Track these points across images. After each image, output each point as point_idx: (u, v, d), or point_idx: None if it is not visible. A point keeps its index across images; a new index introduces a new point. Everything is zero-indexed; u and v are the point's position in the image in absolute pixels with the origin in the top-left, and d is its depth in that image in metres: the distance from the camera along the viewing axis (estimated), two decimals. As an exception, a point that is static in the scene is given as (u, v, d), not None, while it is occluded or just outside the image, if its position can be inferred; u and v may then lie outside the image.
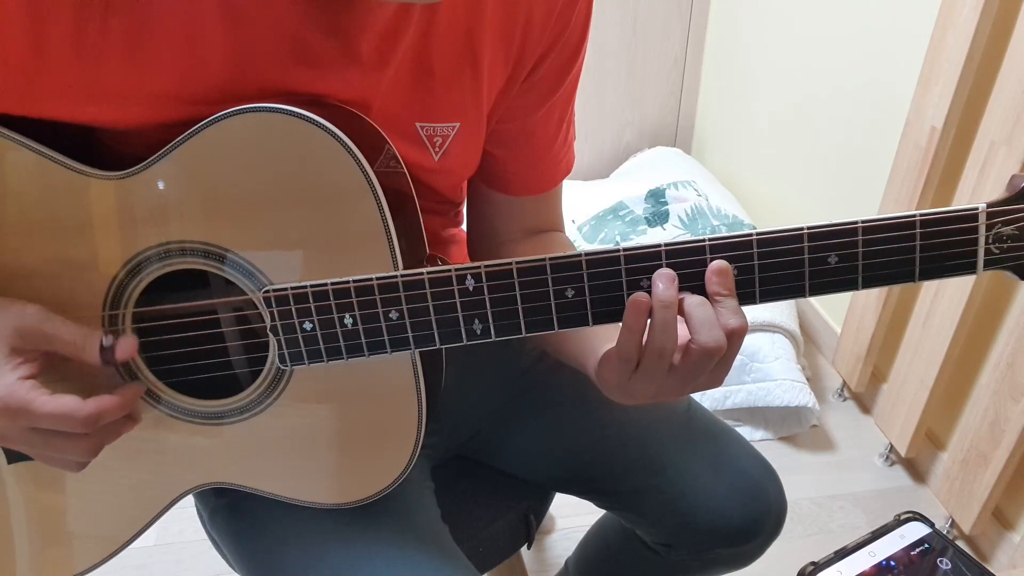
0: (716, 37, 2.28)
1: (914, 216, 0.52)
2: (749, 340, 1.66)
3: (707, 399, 1.66)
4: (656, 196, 1.89)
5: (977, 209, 0.52)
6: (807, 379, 1.70)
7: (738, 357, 1.63)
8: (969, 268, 0.54)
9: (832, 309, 1.88)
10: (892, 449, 1.61)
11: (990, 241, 0.53)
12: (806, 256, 0.53)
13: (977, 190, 1.28)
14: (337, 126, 0.53)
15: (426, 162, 0.65)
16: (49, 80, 0.52)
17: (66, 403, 0.52)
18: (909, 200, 1.45)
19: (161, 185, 0.55)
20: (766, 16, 2.01)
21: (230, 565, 0.79)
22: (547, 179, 0.78)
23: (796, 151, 1.94)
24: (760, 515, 0.80)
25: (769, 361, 1.64)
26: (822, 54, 1.78)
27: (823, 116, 1.80)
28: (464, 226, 0.85)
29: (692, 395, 0.86)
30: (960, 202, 1.32)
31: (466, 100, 0.65)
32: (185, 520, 1.43)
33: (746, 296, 0.55)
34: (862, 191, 1.68)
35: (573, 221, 1.93)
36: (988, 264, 0.54)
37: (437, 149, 0.65)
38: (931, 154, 1.38)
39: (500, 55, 0.65)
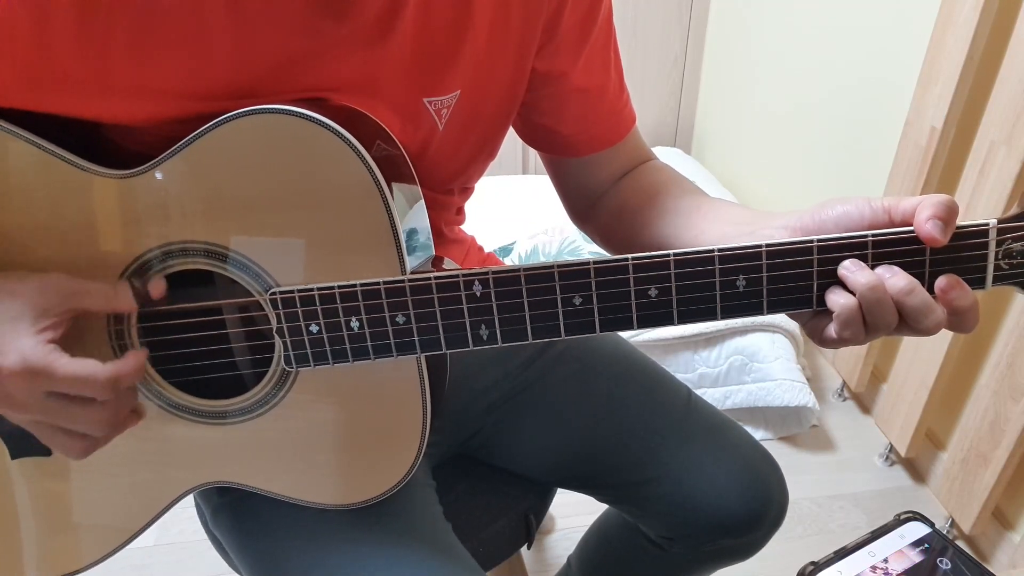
0: (716, 37, 2.28)
1: None
2: (749, 340, 1.66)
3: (707, 398, 1.65)
4: (656, 196, 1.89)
5: (987, 225, 0.52)
6: (807, 379, 1.70)
7: (737, 357, 1.66)
8: (978, 283, 0.53)
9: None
10: (892, 449, 1.62)
11: (1000, 257, 0.53)
12: (815, 268, 0.53)
13: (977, 190, 1.28)
14: (341, 125, 0.53)
15: (434, 134, 0.65)
16: (54, 75, 0.52)
17: (88, 365, 0.52)
18: (909, 200, 1.45)
19: (167, 185, 0.55)
20: (766, 16, 2.01)
21: (231, 564, 0.79)
22: (612, 130, 0.77)
23: (796, 151, 1.95)
24: (762, 505, 0.80)
25: (769, 361, 1.65)
26: (822, 54, 1.78)
27: (823, 116, 1.80)
28: (464, 226, 0.86)
29: (692, 389, 0.87)
30: (959, 202, 1.33)
31: (467, 67, 0.64)
32: (185, 520, 1.44)
33: (754, 307, 0.55)
34: (862, 191, 1.68)
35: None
36: (997, 280, 0.53)
37: (442, 120, 0.65)
38: (931, 154, 1.39)
39: (499, 21, 0.64)
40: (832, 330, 0.54)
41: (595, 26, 0.70)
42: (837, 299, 0.53)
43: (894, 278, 0.52)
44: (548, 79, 0.71)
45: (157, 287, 0.57)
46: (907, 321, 0.52)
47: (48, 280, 0.54)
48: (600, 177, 0.79)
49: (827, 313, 0.54)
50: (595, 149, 0.77)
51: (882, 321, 0.52)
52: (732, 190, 2.10)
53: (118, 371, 0.53)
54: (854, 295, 0.52)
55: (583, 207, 0.82)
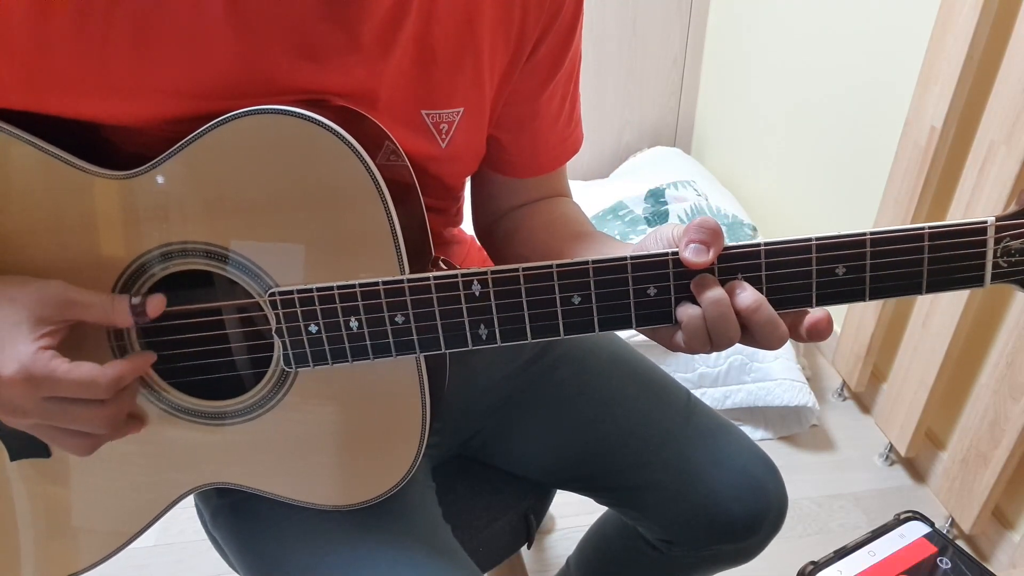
0: (716, 37, 2.28)
1: (923, 229, 0.52)
2: (749, 340, 1.66)
3: (707, 398, 1.66)
4: (656, 196, 1.89)
5: (986, 223, 0.52)
6: (807, 379, 1.70)
7: (737, 356, 1.65)
8: (976, 281, 0.54)
9: (832, 308, 1.88)
10: (892, 449, 1.62)
11: (998, 255, 0.53)
12: (814, 267, 0.54)
13: (977, 189, 1.28)
14: (341, 127, 0.53)
15: (434, 151, 0.66)
16: (52, 74, 0.52)
17: (89, 369, 0.52)
18: (909, 199, 1.45)
19: (166, 186, 0.55)
20: (766, 16, 2.01)
21: (231, 565, 0.79)
22: (551, 160, 0.79)
23: (796, 151, 1.95)
24: (761, 510, 0.80)
25: (769, 360, 1.65)
26: (822, 54, 1.78)
27: (823, 116, 1.80)
28: (463, 225, 0.86)
29: (692, 391, 0.87)
30: (959, 201, 1.33)
31: (468, 84, 0.65)
32: (185, 520, 1.44)
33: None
34: (862, 191, 1.68)
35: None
36: (995, 278, 0.53)
37: (444, 136, 0.66)
38: (931, 154, 1.38)
39: (500, 38, 0.65)
40: (680, 338, 0.57)
41: (566, 58, 0.71)
42: (685, 310, 0.55)
43: (743, 294, 0.54)
44: (514, 97, 0.71)
45: (155, 306, 0.56)
46: (753, 335, 0.55)
47: (47, 289, 0.54)
48: (513, 200, 0.80)
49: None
50: (533, 174, 0.78)
51: (724, 334, 0.55)
52: (732, 190, 2.10)
53: (119, 372, 0.53)
54: (700, 308, 0.54)
55: (487, 222, 0.83)
